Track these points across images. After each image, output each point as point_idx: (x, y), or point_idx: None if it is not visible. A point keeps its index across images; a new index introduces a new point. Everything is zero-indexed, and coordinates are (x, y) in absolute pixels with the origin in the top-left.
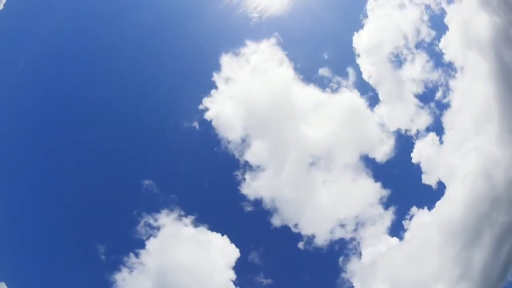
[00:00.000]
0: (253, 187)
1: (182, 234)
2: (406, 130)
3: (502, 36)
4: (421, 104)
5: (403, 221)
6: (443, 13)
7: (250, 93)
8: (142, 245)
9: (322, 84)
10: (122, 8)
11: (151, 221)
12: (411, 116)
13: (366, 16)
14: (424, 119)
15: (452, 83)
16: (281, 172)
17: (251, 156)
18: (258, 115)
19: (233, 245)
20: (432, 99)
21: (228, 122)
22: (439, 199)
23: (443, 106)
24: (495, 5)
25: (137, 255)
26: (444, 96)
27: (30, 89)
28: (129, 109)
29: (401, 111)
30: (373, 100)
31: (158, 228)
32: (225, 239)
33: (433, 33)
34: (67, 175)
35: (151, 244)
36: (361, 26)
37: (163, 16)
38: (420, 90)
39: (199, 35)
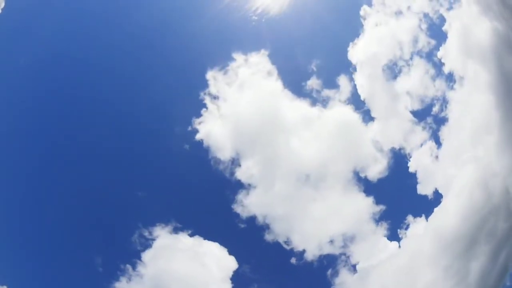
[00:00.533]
0: (245, 204)
1: (177, 246)
2: (400, 146)
3: (504, 43)
4: (419, 117)
5: (398, 231)
6: (442, 20)
7: (239, 110)
8: (138, 257)
9: (314, 98)
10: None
11: (147, 233)
12: (407, 130)
13: (361, 26)
14: (420, 133)
15: (451, 93)
16: (272, 189)
17: (242, 174)
18: (248, 133)
19: (227, 259)
20: (430, 110)
21: (219, 142)
22: (435, 209)
23: (440, 120)
24: (496, 11)
25: (134, 267)
26: (443, 106)
27: (25, 90)
28: (126, 130)
29: (396, 126)
30: (367, 114)
31: (153, 240)
32: (220, 252)
33: (432, 42)
34: (65, 188)
35: (147, 255)
36: (356, 36)
37: (149, 33)
38: (417, 102)
39: (184, 51)
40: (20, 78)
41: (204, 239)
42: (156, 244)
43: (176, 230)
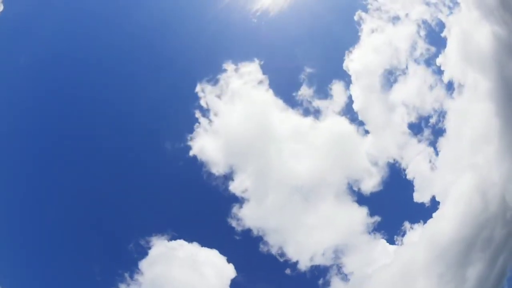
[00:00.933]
0: (239, 218)
1: (175, 254)
2: (396, 158)
3: (505, 49)
4: (416, 126)
5: (393, 240)
6: (441, 26)
7: (231, 123)
8: (136, 265)
9: (307, 108)
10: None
11: (144, 242)
12: (403, 141)
13: (357, 33)
14: (418, 143)
15: (450, 102)
16: (265, 202)
17: (235, 188)
18: (241, 146)
19: (225, 268)
20: (429, 119)
21: (211, 157)
22: (432, 216)
23: (438, 131)
24: (497, 15)
25: (132, 275)
26: (442, 115)
27: (23, 90)
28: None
29: (392, 137)
30: (362, 125)
31: (150, 248)
32: (218, 261)
33: (431, 48)
34: (62, 196)
35: (145, 264)
36: (352, 44)
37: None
38: (415, 111)
39: (172, 63)
40: (18, 78)
41: (202, 246)
42: (153, 252)
43: (172, 239)
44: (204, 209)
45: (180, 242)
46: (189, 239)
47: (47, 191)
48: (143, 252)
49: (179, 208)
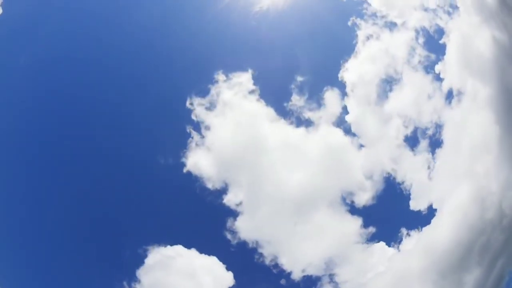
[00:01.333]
0: (234, 230)
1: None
2: (392, 169)
3: (506, 55)
4: (414, 137)
5: (389, 248)
6: (440, 32)
7: (223, 137)
8: (133, 274)
9: (300, 119)
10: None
11: (141, 251)
12: (400, 152)
13: (353, 41)
14: (415, 153)
15: (448, 110)
16: (260, 214)
17: (229, 201)
18: (233, 160)
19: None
20: (427, 129)
21: (204, 172)
22: (429, 223)
23: (436, 142)
24: (498, 19)
25: (130, 284)
26: (440, 123)
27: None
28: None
29: (389, 148)
30: (356, 137)
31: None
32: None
33: (430, 55)
34: (57, 209)
35: (142, 272)
36: (347, 53)
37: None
38: (413, 121)
39: (163, 76)
40: (17, 78)
41: (200, 253)
42: (150, 261)
43: (169, 247)
44: (199, 222)
45: (177, 251)
46: (185, 247)
47: (43, 195)
48: (140, 261)
49: (174, 221)
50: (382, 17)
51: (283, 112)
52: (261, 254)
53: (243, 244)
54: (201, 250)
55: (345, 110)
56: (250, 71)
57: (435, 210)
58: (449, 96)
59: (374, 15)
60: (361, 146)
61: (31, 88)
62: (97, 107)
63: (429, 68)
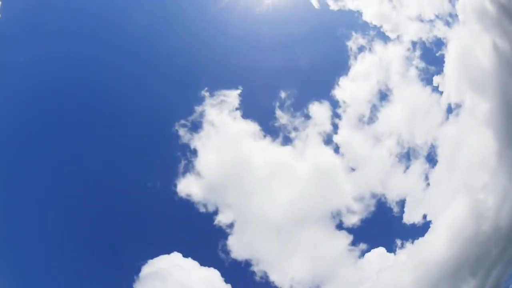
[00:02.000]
0: (227, 249)
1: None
2: (383, 189)
3: (508, 65)
4: (411, 154)
5: (382, 261)
6: (439, 43)
7: (211, 161)
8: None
9: (290, 139)
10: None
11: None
12: (394, 170)
13: (347, 55)
14: (413, 167)
15: (447, 124)
16: (250, 234)
17: (220, 222)
18: (222, 183)
19: None
20: (425, 144)
21: (195, 196)
22: (421, 236)
23: (432, 161)
24: (500, 28)
25: None
26: (438, 137)
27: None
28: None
29: (381, 167)
30: (347, 158)
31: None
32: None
33: (428, 67)
34: (57, 224)
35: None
36: (340, 70)
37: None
38: (409, 138)
39: (151, 100)
40: (16, 78)
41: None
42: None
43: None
44: (192, 242)
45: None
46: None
47: (43, 206)
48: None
49: (167, 241)
50: (376, 28)
51: (271, 130)
52: (252, 272)
53: (234, 263)
54: (200, 264)
55: (336, 128)
56: (237, 88)
57: (430, 222)
58: (449, 110)
59: (367, 27)
60: (352, 169)
61: (23, 90)
62: (89, 140)
63: (426, 80)
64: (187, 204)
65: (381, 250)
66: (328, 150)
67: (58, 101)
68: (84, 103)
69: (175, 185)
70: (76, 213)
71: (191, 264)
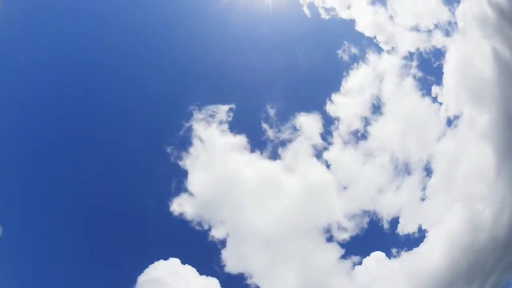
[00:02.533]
0: (220, 264)
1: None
2: (376, 207)
3: (508, 72)
4: (408, 168)
5: (376, 271)
6: (438, 52)
7: (202, 179)
8: None
9: (280, 155)
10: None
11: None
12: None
13: (340, 68)
14: (410, 177)
15: (445, 135)
16: (242, 249)
17: (213, 237)
18: (214, 201)
19: None
20: (422, 158)
21: (188, 215)
22: (417, 246)
23: (429, 172)
24: (501, 34)
25: None
26: (437, 150)
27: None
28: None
29: (375, 185)
30: (339, 174)
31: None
32: None
33: (426, 78)
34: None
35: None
36: (334, 84)
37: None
38: (405, 152)
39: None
40: (16, 78)
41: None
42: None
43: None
44: (187, 257)
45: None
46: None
47: (41, 200)
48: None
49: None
50: (370, 39)
51: (260, 144)
52: (246, 286)
53: (228, 277)
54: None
55: (327, 143)
56: (225, 103)
57: (425, 232)
58: (448, 122)
59: (362, 36)
60: (344, 187)
61: (23, 90)
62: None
63: (424, 91)
64: (181, 223)
65: (374, 259)
66: (319, 165)
67: (58, 101)
68: (76, 113)
69: (168, 206)
70: (70, 223)
71: (188, 273)
